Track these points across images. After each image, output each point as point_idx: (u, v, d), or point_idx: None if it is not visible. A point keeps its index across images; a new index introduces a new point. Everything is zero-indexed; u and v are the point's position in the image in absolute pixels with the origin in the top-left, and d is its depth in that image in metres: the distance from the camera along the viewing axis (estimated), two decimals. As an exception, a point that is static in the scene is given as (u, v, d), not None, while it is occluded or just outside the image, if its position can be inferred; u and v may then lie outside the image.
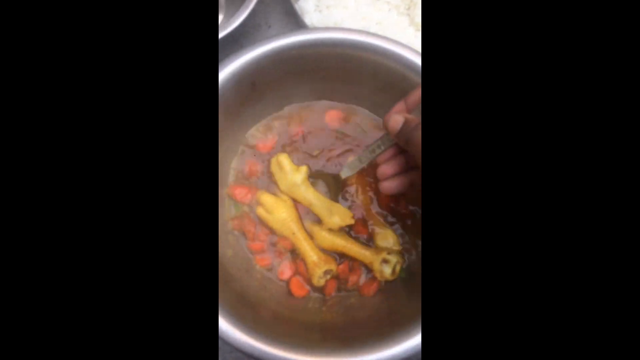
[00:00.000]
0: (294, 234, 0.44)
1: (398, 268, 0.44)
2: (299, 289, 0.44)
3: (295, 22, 0.57)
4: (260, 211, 0.45)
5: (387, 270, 0.43)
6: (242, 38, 0.57)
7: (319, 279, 0.43)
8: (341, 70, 0.45)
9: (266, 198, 0.45)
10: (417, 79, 0.42)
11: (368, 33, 0.42)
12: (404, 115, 0.35)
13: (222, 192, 0.47)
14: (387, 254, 0.44)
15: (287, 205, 0.45)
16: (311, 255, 0.44)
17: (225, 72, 0.41)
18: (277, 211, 0.44)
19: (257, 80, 0.43)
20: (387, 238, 0.45)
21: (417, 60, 0.41)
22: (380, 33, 0.51)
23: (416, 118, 0.34)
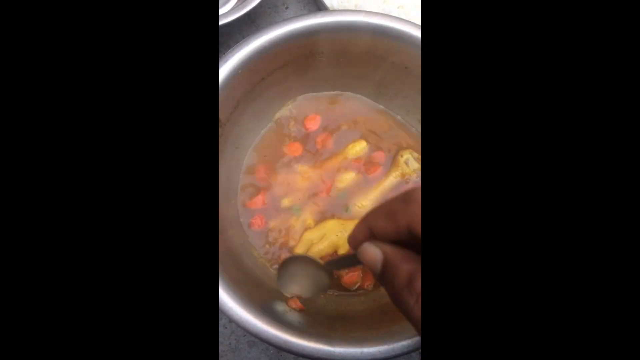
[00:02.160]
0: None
1: (420, 159, 0.47)
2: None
3: (314, 3, 0.55)
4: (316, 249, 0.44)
5: (415, 165, 0.46)
6: (258, 19, 0.55)
7: None
8: (362, 55, 0.43)
9: (308, 235, 0.44)
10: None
11: (390, 16, 0.41)
12: (380, 247, 0.25)
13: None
14: (400, 157, 0.47)
15: (330, 223, 0.45)
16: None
17: (237, 57, 0.39)
18: (327, 233, 0.44)
19: (267, 66, 0.42)
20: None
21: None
22: (402, 17, 0.50)
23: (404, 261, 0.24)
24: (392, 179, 0.47)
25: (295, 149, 0.47)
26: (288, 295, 0.40)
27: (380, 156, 0.47)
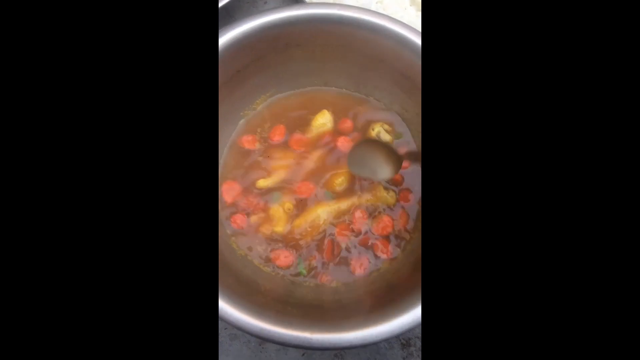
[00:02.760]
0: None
1: (391, 130, 0.47)
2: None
3: (293, -3, 0.55)
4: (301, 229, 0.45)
5: (387, 137, 0.47)
6: (236, 11, 0.55)
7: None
8: (339, 49, 0.44)
9: (298, 223, 0.45)
10: (418, 61, 0.40)
11: (369, 11, 0.41)
12: None
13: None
14: (371, 130, 0.47)
15: (318, 210, 0.45)
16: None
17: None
18: (315, 220, 0.45)
19: (242, 59, 0.42)
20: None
21: (418, 40, 0.40)
22: (380, 11, 0.50)
23: None
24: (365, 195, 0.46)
25: (251, 141, 0.48)
26: (359, 175, 0.44)
27: (347, 124, 0.48)
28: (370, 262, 0.45)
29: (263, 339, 0.33)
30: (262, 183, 0.46)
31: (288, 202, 0.46)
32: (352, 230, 0.45)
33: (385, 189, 0.46)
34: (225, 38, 0.39)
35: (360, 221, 0.45)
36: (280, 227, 0.45)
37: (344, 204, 0.46)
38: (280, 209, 0.46)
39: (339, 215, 0.45)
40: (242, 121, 0.48)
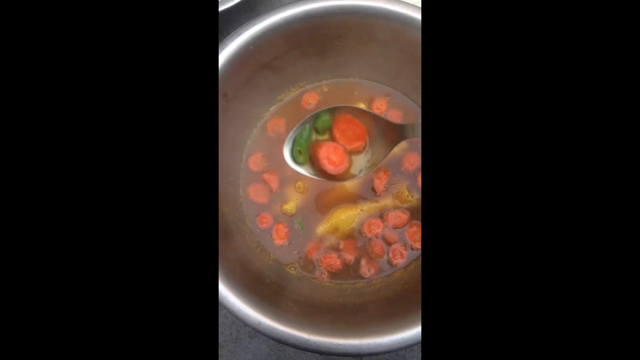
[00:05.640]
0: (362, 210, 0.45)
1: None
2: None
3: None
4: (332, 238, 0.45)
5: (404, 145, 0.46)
6: (258, 5, 0.55)
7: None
8: (365, 41, 0.42)
9: (325, 226, 0.44)
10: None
11: (397, 0, 0.39)
12: None
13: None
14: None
15: (341, 210, 0.45)
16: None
17: (236, 44, 0.38)
18: (341, 219, 0.44)
19: (280, 46, 0.41)
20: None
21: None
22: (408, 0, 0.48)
23: None
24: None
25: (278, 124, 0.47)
26: None
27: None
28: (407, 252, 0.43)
29: (259, 332, 0.31)
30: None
31: (301, 184, 0.45)
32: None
33: (409, 191, 0.44)
34: (264, 24, 0.39)
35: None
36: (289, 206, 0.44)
37: (366, 207, 0.44)
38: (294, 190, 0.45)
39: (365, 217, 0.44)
40: (276, 107, 0.48)
